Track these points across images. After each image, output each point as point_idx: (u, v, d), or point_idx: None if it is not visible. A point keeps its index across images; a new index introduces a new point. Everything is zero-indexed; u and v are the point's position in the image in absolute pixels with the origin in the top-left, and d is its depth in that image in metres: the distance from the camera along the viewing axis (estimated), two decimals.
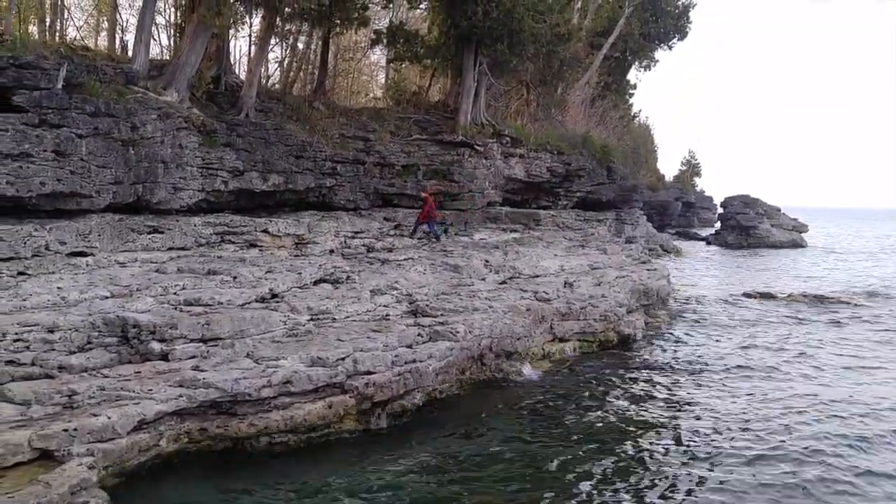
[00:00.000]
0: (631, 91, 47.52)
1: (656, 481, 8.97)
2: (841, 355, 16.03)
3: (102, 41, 24.23)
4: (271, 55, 25.15)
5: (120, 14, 24.14)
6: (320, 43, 24.90)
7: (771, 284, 28.06)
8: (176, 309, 11.33)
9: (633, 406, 12.02)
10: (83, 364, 9.78)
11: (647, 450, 10.00)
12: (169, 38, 23.31)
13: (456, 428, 10.55)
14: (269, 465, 8.89)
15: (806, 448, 10.14)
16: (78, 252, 12.43)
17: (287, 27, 23.43)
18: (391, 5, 26.64)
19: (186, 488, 8.19)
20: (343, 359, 10.40)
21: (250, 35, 25.23)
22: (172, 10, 22.82)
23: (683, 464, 9.55)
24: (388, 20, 28.55)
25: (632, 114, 51.00)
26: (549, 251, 22.35)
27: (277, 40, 24.33)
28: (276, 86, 24.71)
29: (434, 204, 21.06)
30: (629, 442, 10.33)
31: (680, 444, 10.26)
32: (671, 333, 18.14)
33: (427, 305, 14.08)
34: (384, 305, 13.94)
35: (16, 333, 9.76)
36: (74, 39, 21.20)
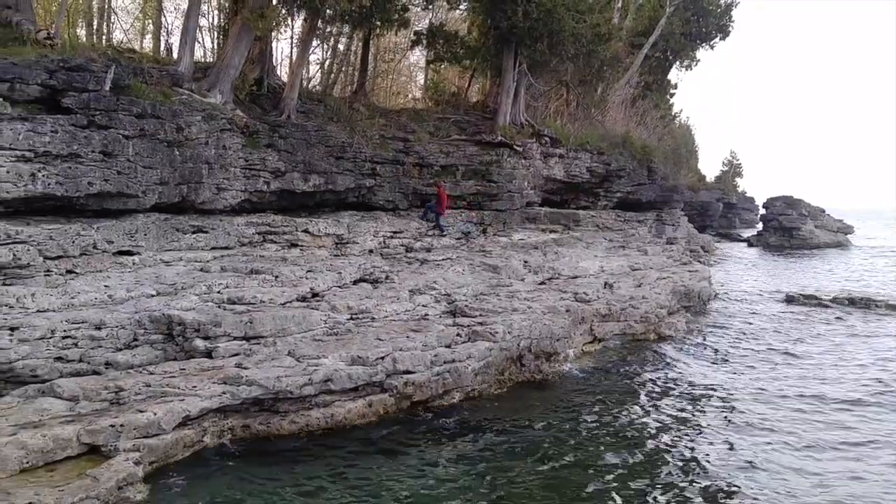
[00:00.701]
0: (672, 91, 46.94)
1: (694, 481, 8.87)
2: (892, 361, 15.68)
3: (147, 43, 24.71)
4: (312, 57, 25.36)
5: (165, 16, 24.57)
6: (360, 44, 25.05)
7: (814, 286, 27.51)
8: (219, 307, 11.53)
9: (671, 407, 11.88)
10: (129, 361, 10.03)
11: (687, 449, 9.89)
12: (213, 41, 23.68)
13: (494, 426, 10.50)
14: (308, 458, 8.96)
15: (857, 456, 9.96)
16: (125, 251, 12.69)
17: (328, 29, 23.61)
18: (431, 6, 26.66)
19: (226, 481, 8.28)
20: (382, 358, 10.48)
21: (292, 37, 25.53)
22: (216, 12, 23.18)
23: (727, 465, 9.43)
24: (427, 21, 28.64)
25: (672, 114, 50.38)
26: (588, 252, 22.23)
27: (319, 42, 24.53)
28: (317, 87, 24.92)
29: (446, 197, 21.12)
30: (665, 441, 10.21)
31: (721, 445, 10.14)
32: (712, 335, 17.89)
33: (466, 305, 14.10)
34: (423, 305, 14.00)
35: (64, 331, 10.01)
36: (121, 42, 21.63)
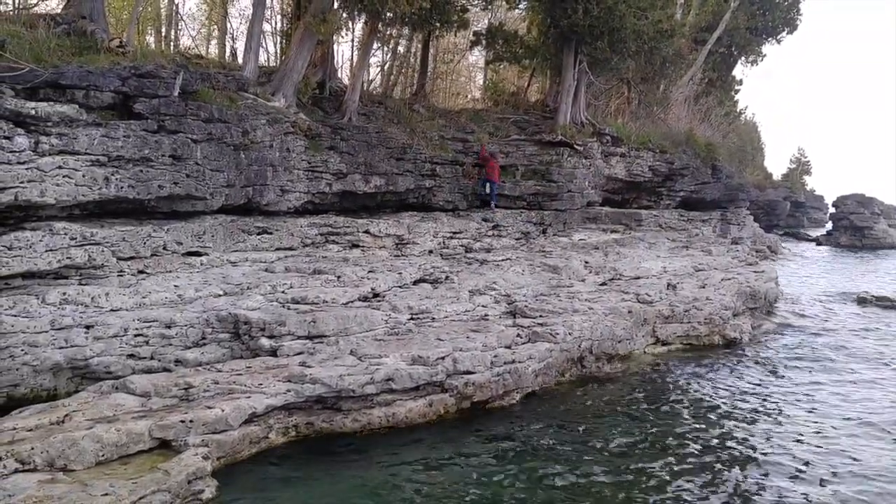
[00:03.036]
0: (737, 87, 45.96)
1: (744, 491, 8.70)
2: None
3: (213, 49, 25.34)
4: (373, 59, 25.64)
5: (230, 22, 25.15)
6: (420, 46, 25.23)
7: (888, 288, 26.58)
8: (284, 307, 11.78)
9: (736, 416, 11.64)
10: (198, 358, 10.34)
11: (742, 457, 9.70)
12: (276, 46, 24.13)
13: (552, 427, 10.44)
14: (370, 456, 9.07)
15: None
16: (193, 252, 13.04)
17: (388, 32, 23.82)
18: (490, 7, 26.68)
19: (291, 477, 8.45)
20: (443, 358, 10.55)
21: (353, 40, 25.86)
22: (279, 17, 23.61)
23: (782, 476, 9.22)
24: (486, 21, 28.66)
25: (737, 111, 49.33)
26: (651, 252, 21.94)
27: (379, 45, 24.78)
28: (378, 90, 25.17)
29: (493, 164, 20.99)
30: (727, 453, 10.03)
31: (780, 454, 9.91)
32: (778, 338, 17.45)
33: (526, 306, 14.08)
34: (483, 306, 14.03)
35: (136, 329, 10.39)
36: (189, 48, 22.21)
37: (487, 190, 21.10)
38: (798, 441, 10.34)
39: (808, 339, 17.49)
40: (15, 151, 10.17)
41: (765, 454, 9.84)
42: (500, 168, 21.16)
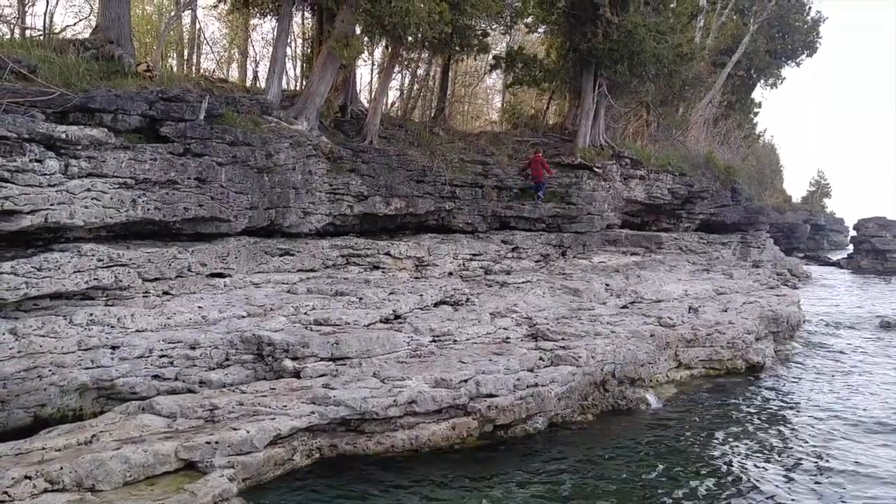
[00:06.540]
0: (756, 110, 45.94)
1: None
2: None
3: (233, 72, 25.64)
4: (393, 83, 25.83)
5: (253, 46, 25.45)
6: (440, 70, 25.44)
7: None
8: (307, 328, 11.82)
9: (761, 446, 11.51)
10: (222, 380, 10.38)
11: (770, 489, 9.58)
12: (294, 69, 24.38)
13: (576, 454, 10.36)
14: (393, 479, 9.04)
15: None
16: (217, 273, 13.15)
17: (409, 56, 24.03)
18: (510, 31, 26.87)
19: (315, 500, 8.43)
20: (465, 381, 10.53)
21: (373, 64, 26.12)
22: (301, 42, 23.88)
23: None
24: (505, 45, 28.85)
25: (756, 133, 49.26)
26: (671, 275, 21.83)
27: (399, 68, 24.99)
28: (398, 112, 25.37)
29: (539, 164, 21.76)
30: (752, 485, 9.91)
31: (805, 487, 9.78)
32: (801, 364, 17.26)
33: (547, 329, 14.03)
34: (504, 328, 13.99)
35: (161, 350, 10.45)
36: (213, 72, 22.50)
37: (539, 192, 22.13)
38: (823, 476, 10.21)
39: (831, 363, 17.30)
40: (46, 174, 10.33)
41: (792, 486, 9.71)
42: (543, 167, 21.97)
